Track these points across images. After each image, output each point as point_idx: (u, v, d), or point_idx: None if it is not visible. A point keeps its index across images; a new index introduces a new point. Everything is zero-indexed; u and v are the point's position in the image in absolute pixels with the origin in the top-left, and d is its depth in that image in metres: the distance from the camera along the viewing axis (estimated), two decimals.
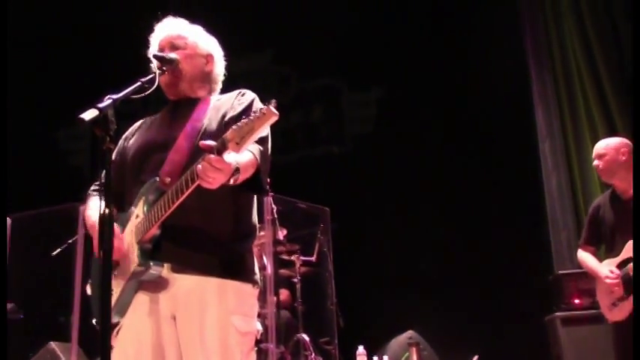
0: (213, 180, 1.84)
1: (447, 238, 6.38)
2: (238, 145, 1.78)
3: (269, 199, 5.08)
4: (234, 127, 1.78)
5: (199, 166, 1.84)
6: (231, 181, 1.90)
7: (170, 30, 2.34)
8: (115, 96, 1.87)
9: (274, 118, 1.77)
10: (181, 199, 1.95)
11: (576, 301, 4.91)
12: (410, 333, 5.87)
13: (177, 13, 2.40)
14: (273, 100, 1.79)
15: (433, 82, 6.81)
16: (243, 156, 1.98)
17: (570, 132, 6.16)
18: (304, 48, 7.47)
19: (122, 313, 2.12)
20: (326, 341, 5.72)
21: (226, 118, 2.17)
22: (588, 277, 3.99)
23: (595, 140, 4.43)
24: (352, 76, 7.56)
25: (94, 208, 2.26)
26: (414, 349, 5.67)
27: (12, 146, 7.48)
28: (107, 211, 1.76)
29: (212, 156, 1.81)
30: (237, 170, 1.90)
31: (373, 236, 6.54)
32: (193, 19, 2.42)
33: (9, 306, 5.66)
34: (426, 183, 6.65)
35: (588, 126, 6.01)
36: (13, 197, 6.18)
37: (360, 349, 5.78)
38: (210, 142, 1.82)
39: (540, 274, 5.59)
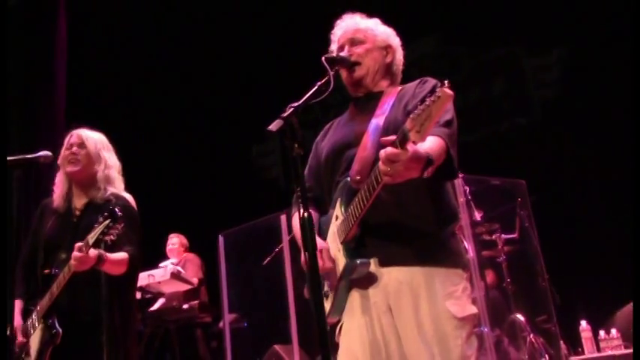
0: (394, 173, 1.81)
1: None
2: (419, 134, 1.73)
3: (460, 181, 4.96)
4: (412, 115, 1.74)
5: (379, 163, 1.83)
6: (425, 174, 1.87)
7: (348, 26, 2.36)
8: (295, 104, 1.94)
9: (450, 99, 1.71)
10: (373, 197, 1.96)
11: None
12: None
13: (355, 9, 2.40)
14: (446, 81, 1.73)
15: (620, 33, 6.19)
16: (433, 144, 1.94)
17: None
18: (470, 22, 7.21)
19: (340, 311, 2.18)
20: (544, 319, 5.45)
21: (408, 108, 2.13)
22: None
23: None
24: (529, 40, 7.13)
25: (295, 218, 2.33)
26: None
27: (219, 171, 8.17)
28: (306, 215, 1.83)
29: (383, 151, 1.79)
30: (430, 162, 1.86)
31: (576, 204, 6.12)
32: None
33: (232, 316, 6.15)
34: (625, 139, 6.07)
35: None
36: (223, 216, 6.72)
37: (583, 324, 5.42)
38: (391, 137, 1.80)
39: None
